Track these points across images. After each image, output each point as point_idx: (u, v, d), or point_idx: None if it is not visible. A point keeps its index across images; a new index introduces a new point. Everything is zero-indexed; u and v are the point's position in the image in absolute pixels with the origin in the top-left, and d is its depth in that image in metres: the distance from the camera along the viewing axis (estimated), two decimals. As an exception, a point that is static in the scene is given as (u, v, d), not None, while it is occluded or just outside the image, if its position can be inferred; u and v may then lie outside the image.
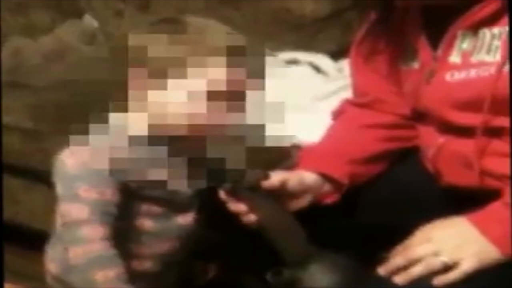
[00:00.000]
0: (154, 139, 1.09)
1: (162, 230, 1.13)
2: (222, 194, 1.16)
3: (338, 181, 1.22)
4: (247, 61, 1.09)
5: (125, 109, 1.09)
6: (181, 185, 1.13)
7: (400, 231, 1.10)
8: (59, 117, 1.69)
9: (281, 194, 1.18)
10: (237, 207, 1.16)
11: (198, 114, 1.07)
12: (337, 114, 1.33)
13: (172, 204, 1.14)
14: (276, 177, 1.16)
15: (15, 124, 1.74)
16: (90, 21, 2.17)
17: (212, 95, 1.07)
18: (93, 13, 2.18)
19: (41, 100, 1.78)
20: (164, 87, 1.07)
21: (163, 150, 1.11)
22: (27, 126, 1.73)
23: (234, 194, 1.15)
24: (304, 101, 1.54)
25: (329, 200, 1.23)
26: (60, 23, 2.14)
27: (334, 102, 1.38)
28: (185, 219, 1.16)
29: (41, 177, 1.36)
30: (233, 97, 1.08)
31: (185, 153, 1.12)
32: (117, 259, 1.04)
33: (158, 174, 1.10)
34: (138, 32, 1.10)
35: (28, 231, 1.76)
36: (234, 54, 1.08)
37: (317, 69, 1.72)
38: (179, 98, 1.07)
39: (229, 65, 1.07)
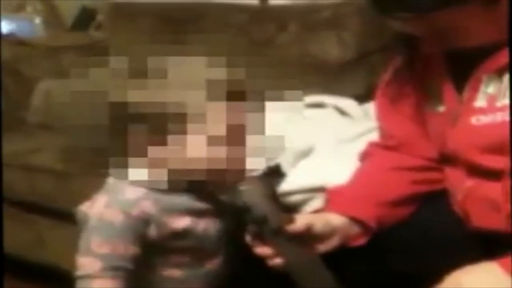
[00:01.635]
0: (174, 184, 1.09)
1: (190, 277, 1.13)
2: (247, 238, 1.17)
3: (366, 224, 1.22)
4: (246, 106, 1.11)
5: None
6: (206, 231, 1.14)
7: (429, 276, 1.09)
8: (88, 159, 1.71)
9: (307, 237, 1.17)
10: (263, 250, 1.16)
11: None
12: (364, 157, 1.34)
13: (200, 251, 1.14)
14: (301, 221, 1.17)
15: (45, 166, 1.76)
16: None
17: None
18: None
19: (71, 142, 1.80)
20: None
21: (184, 197, 1.11)
22: (57, 168, 1.75)
23: (260, 238, 1.15)
24: (330, 144, 1.55)
25: (356, 243, 1.23)
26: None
27: (360, 145, 1.38)
28: (213, 264, 1.17)
29: (70, 218, 1.38)
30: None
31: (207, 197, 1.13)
32: None
33: (180, 222, 1.10)
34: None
35: (56, 271, 1.77)
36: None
37: (342, 112, 1.73)
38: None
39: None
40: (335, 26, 1.98)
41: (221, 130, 1.08)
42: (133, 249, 1.05)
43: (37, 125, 1.94)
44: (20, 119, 1.99)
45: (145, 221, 1.07)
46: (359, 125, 1.60)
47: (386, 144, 1.32)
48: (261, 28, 2.09)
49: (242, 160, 1.09)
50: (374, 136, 1.38)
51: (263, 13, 2.16)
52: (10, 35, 2.38)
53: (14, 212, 1.88)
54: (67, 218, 1.66)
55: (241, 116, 1.09)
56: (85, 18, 2.44)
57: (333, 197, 1.27)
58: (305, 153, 1.52)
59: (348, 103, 1.74)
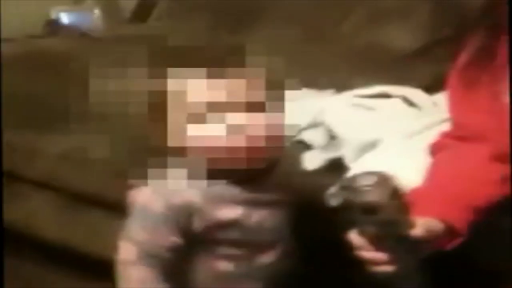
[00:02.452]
0: (214, 173, 1.06)
1: (244, 271, 1.11)
2: (355, 239, 1.08)
3: (458, 231, 1.13)
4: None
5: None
6: (261, 223, 1.10)
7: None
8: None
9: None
10: (375, 255, 1.07)
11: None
12: (437, 149, 1.25)
13: (253, 244, 1.11)
14: (420, 225, 1.08)
15: (99, 158, 1.75)
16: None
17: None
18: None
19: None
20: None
21: (235, 188, 1.08)
22: (111, 159, 1.73)
23: (378, 241, 1.07)
24: (397, 136, 1.47)
25: (450, 247, 1.13)
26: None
27: (429, 137, 1.31)
28: (269, 257, 1.13)
29: (123, 210, 1.36)
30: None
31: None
32: None
33: (228, 213, 1.07)
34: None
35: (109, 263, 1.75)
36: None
37: (410, 102, 1.65)
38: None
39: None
40: (402, 14, 1.91)
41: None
42: (172, 239, 1.05)
43: (95, 117, 1.92)
44: (77, 111, 1.97)
45: (187, 211, 1.06)
46: (428, 117, 1.52)
47: (458, 134, 1.23)
48: (325, 18, 2.02)
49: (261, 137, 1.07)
50: (444, 128, 1.29)
51: (327, 1, 2.09)
52: (70, 27, 2.38)
53: (70, 205, 1.86)
54: (120, 209, 1.64)
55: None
56: (144, 10, 2.42)
57: (427, 199, 1.15)
58: (370, 146, 1.45)
59: (416, 94, 1.67)
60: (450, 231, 1.12)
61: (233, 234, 1.08)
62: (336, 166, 1.46)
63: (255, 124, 1.07)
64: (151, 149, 1.11)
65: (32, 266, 1.96)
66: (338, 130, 1.51)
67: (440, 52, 1.88)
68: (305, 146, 1.53)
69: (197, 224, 1.07)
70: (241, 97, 1.06)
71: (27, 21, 2.29)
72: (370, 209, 1.05)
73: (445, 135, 1.26)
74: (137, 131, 1.70)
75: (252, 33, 2.07)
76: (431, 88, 1.76)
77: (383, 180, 1.07)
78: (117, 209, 1.61)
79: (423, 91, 1.71)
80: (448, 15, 1.91)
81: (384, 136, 1.47)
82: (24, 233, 1.94)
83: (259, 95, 1.08)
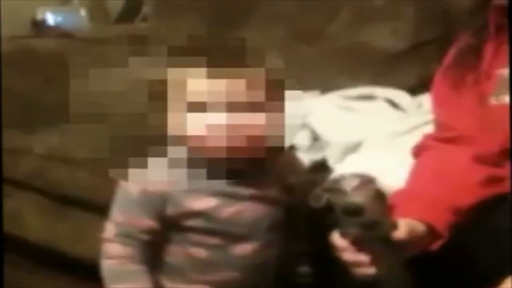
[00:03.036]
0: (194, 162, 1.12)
1: (218, 260, 1.16)
2: (338, 240, 1.08)
3: (440, 233, 1.13)
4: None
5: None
6: (237, 215, 1.14)
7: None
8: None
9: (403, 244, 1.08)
10: (358, 257, 1.07)
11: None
12: (421, 150, 1.25)
13: (226, 235, 1.15)
14: (403, 227, 1.07)
15: (86, 159, 1.74)
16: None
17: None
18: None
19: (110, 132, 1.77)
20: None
21: (214, 180, 1.12)
22: (98, 161, 1.72)
23: (360, 243, 1.07)
24: (380, 137, 1.47)
25: (429, 249, 1.13)
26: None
27: (412, 139, 1.31)
28: (244, 249, 1.16)
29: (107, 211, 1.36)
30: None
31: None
32: (136, 277, 1.14)
33: (200, 203, 1.13)
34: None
35: (95, 266, 1.74)
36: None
37: (393, 104, 1.65)
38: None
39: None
40: (388, 15, 1.91)
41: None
42: (147, 222, 1.13)
43: (81, 117, 1.91)
44: (64, 111, 1.97)
45: (162, 197, 1.13)
46: (412, 119, 1.53)
47: (443, 136, 1.22)
48: (311, 17, 2.02)
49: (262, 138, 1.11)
50: (428, 130, 1.29)
51: (314, 2, 2.09)
52: (56, 27, 2.37)
53: (54, 206, 1.85)
54: (107, 212, 1.63)
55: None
56: (131, 10, 2.41)
57: (405, 200, 1.15)
58: (354, 147, 1.45)
59: (400, 95, 1.67)
60: (431, 233, 1.12)
61: (205, 224, 1.14)
62: (320, 167, 1.47)
63: (251, 123, 1.11)
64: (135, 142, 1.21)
65: (15, 268, 1.95)
66: (322, 131, 1.52)
67: (426, 53, 1.89)
68: (290, 147, 1.54)
69: (170, 211, 1.14)
70: (240, 97, 1.11)
71: (13, 21, 2.28)
72: (353, 211, 1.05)
73: (429, 137, 1.25)
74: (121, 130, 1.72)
75: (239, 33, 2.06)
76: (416, 89, 1.76)
77: (366, 182, 1.07)
78: (103, 210, 1.61)
79: (408, 92, 1.71)
80: (434, 16, 1.92)
81: (368, 138, 1.47)
82: (8, 234, 1.93)
83: (258, 95, 1.12)
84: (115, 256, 1.15)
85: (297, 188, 1.22)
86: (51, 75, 2.08)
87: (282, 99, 1.14)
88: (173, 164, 1.14)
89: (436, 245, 1.13)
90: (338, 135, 1.49)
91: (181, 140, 1.13)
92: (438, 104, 1.24)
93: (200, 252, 1.15)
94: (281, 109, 1.14)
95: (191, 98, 1.11)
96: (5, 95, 1.99)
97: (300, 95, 1.70)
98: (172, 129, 1.13)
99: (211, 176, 1.13)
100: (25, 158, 1.85)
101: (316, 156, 1.48)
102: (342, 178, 1.09)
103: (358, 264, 1.07)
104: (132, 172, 1.15)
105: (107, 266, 1.16)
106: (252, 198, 1.16)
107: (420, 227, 1.11)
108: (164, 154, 1.15)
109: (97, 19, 2.41)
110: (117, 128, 1.78)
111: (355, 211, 1.05)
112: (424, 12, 1.91)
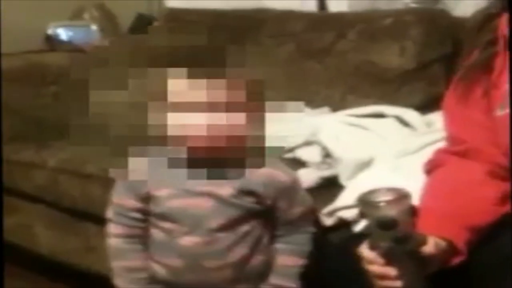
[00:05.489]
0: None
1: (169, 244, 1.27)
2: (367, 252, 1.09)
3: (460, 250, 1.14)
4: None
5: None
6: (186, 209, 1.24)
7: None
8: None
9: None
10: (386, 271, 1.08)
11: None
12: (433, 167, 1.26)
13: (180, 223, 1.26)
14: (431, 242, 1.09)
15: (96, 173, 1.75)
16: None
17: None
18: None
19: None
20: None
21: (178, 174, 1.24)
22: (107, 175, 1.73)
23: (390, 256, 1.08)
24: (391, 155, 1.48)
25: (454, 263, 1.13)
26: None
27: (422, 157, 1.32)
28: (189, 241, 1.25)
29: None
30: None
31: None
32: (128, 254, 1.30)
33: (157, 191, 1.26)
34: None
35: (105, 278, 1.75)
36: None
37: (403, 122, 1.67)
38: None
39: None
40: (395, 35, 1.93)
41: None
42: (133, 203, 1.29)
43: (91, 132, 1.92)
44: (75, 126, 1.98)
45: (137, 183, 1.29)
46: (422, 136, 1.54)
47: (454, 150, 1.24)
48: (320, 36, 2.04)
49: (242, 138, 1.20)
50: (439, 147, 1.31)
51: (322, 20, 2.12)
52: (68, 42, 2.39)
53: (65, 219, 1.87)
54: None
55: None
56: (141, 25, 2.43)
57: (426, 217, 1.15)
58: (365, 164, 1.46)
59: (409, 113, 1.68)
60: (451, 249, 1.13)
61: (158, 209, 1.27)
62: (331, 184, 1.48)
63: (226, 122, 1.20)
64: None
65: (25, 279, 1.96)
66: (333, 149, 1.53)
67: (433, 72, 1.91)
68: (300, 164, 1.55)
69: (142, 194, 1.29)
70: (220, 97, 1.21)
71: (26, 36, 2.30)
72: (387, 224, 1.05)
73: (440, 151, 1.27)
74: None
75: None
76: (424, 107, 1.78)
77: (401, 196, 1.08)
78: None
79: (417, 110, 1.73)
80: (440, 35, 1.93)
81: (378, 155, 1.48)
82: (18, 246, 1.94)
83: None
84: (113, 235, 1.31)
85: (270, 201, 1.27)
86: (61, 90, 2.10)
87: (262, 99, 1.22)
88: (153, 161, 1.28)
89: (456, 262, 1.13)
90: (349, 152, 1.50)
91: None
92: (448, 118, 1.25)
93: (159, 235, 1.28)
94: (262, 109, 1.22)
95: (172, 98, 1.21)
96: (17, 109, 2.02)
97: (302, 106, 1.72)
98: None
99: (191, 174, 1.24)
100: (37, 172, 1.88)
101: (327, 172, 1.50)
102: (376, 191, 1.09)
103: (386, 277, 1.08)
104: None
105: (108, 244, 1.32)
106: (202, 194, 1.25)
107: (441, 243, 1.12)
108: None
109: (108, 33, 2.43)
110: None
111: (389, 225, 1.05)
112: (431, 31, 1.93)
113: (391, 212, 1.06)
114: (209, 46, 1.27)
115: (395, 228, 1.06)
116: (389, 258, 1.08)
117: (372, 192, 1.10)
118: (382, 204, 1.07)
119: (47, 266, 1.93)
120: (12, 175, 1.90)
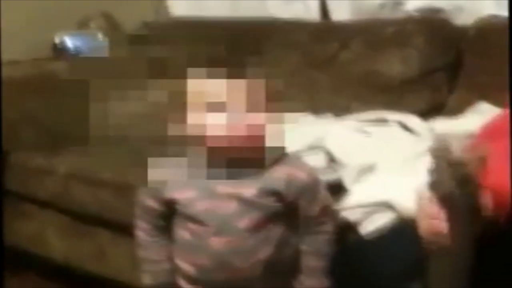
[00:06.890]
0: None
1: (196, 245, 1.29)
2: (425, 193, 1.10)
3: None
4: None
5: None
6: (213, 211, 1.27)
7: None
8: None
9: None
10: (439, 214, 1.08)
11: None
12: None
13: (207, 225, 1.27)
14: (488, 195, 1.09)
15: (107, 179, 1.78)
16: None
17: None
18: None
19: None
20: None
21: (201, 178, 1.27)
22: (119, 181, 1.76)
23: (446, 201, 1.09)
24: (394, 160, 1.52)
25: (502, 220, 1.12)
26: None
27: (425, 162, 1.35)
28: (218, 242, 1.27)
29: (131, 231, 1.41)
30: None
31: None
32: (151, 247, 1.36)
33: (180, 194, 1.29)
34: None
35: (116, 284, 1.78)
36: None
37: (406, 128, 1.70)
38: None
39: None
40: (398, 43, 1.97)
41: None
42: (154, 204, 1.33)
43: (99, 139, 1.96)
44: (83, 134, 2.01)
45: (160, 186, 1.32)
46: (424, 142, 1.57)
47: None
48: (324, 45, 2.08)
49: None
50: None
51: (326, 30, 2.15)
52: (74, 51, 2.42)
53: (77, 225, 1.90)
54: (128, 231, 1.67)
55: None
56: (146, 34, 2.46)
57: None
58: (368, 169, 1.50)
59: (412, 120, 1.72)
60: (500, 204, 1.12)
61: (186, 210, 1.30)
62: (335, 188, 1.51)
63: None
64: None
65: (37, 286, 1.98)
66: (338, 154, 1.56)
67: (435, 80, 1.94)
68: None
69: (165, 196, 1.32)
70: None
71: (33, 44, 2.33)
72: (455, 163, 1.07)
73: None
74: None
75: (254, 59, 2.10)
76: (427, 114, 1.81)
77: (475, 146, 1.09)
78: (125, 229, 1.66)
79: (420, 117, 1.76)
80: (443, 44, 1.97)
81: (382, 160, 1.51)
82: (31, 252, 1.96)
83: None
84: (138, 228, 1.37)
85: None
86: (68, 98, 2.13)
87: (281, 99, 1.25)
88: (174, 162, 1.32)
89: (503, 217, 1.12)
90: (353, 157, 1.53)
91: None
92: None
93: (185, 234, 1.31)
94: (281, 109, 1.24)
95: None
96: (28, 116, 2.05)
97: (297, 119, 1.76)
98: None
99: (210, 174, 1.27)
100: (49, 179, 1.90)
101: (331, 176, 1.53)
102: (451, 137, 1.10)
103: (436, 228, 1.09)
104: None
105: (135, 237, 1.38)
106: (227, 196, 1.27)
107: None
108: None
109: (115, 42, 2.46)
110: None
111: (456, 163, 1.06)
112: (433, 40, 1.96)
113: (461, 154, 1.07)
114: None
115: (462, 168, 1.06)
116: (444, 203, 1.09)
117: (446, 138, 1.11)
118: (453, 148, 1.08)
119: (60, 272, 1.94)
120: (24, 182, 1.93)
